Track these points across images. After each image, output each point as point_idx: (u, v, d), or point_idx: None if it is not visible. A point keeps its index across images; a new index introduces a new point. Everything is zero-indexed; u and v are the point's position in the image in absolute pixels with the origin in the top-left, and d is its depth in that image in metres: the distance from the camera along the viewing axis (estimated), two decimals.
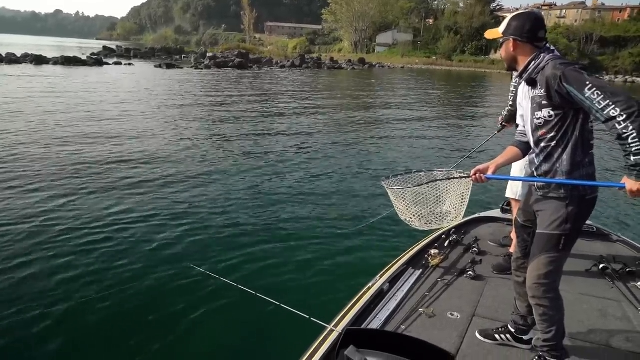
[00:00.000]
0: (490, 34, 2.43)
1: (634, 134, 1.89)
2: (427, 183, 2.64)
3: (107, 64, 41.43)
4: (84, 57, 41.33)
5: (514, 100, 3.72)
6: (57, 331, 3.78)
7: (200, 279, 4.42)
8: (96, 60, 40.91)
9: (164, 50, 65.04)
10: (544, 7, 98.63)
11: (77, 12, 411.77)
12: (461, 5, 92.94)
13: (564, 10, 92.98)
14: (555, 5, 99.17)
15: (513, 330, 2.64)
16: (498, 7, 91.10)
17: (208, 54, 56.63)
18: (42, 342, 3.66)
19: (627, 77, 64.84)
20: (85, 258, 4.98)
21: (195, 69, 42.80)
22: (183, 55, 62.33)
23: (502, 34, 2.33)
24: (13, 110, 14.15)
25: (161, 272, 4.78)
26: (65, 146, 10.06)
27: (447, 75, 59.06)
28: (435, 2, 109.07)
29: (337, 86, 34.15)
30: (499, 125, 4.19)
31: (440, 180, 2.64)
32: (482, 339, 2.69)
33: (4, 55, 36.12)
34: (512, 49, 2.30)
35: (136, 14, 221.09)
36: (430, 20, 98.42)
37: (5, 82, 22.62)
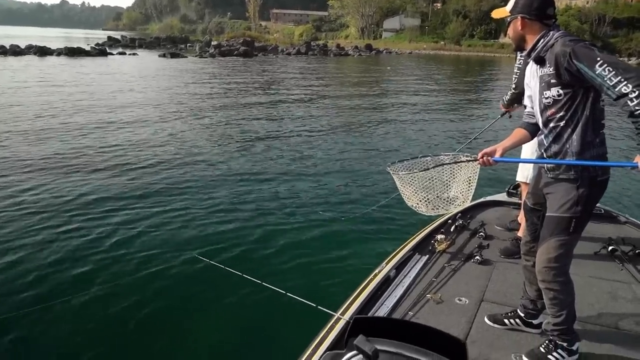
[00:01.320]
0: (497, 13, 2.36)
1: None
2: (433, 167, 2.60)
3: (112, 54, 41.35)
4: (87, 48, 41.28)
5: (517, 83, 3.65)
6: (61, 321, 3.79)
7: (204, 268, 4.39)
8: (100, 51, 40.85)
9: (169, 40, 64.92)
10: None
11: (83, 3, 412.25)
12: None
13: None
14: None
15: (522, 315, 2.60)
16: None
17: (213, 43, 56.19)
18: (47, 333, 3.67)
19: None
20: (87, 249, 4.95)
21: (200, 57, 42.65)
22: (188, 44, 62.21)
23: (510, 12, 2.26)
24: (6, 102, 14.09)
25: (166, 262, 4.75)
26: (68, 136, 10.07)
27: (456, 60, 58.35)
28: None
29: (341, 73, 33.92)
30: (502, 110, 4.12)
31: (447, 164, 2.59)
32: (491, 324, 2.65)
33: (7, 47, 36.18)
34: (520, 28, 2.23)
35: (142, 4, 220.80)
36: (438, 4, 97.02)
37: (5, 73, 22.60)
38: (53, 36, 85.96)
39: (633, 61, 62.43)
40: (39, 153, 8.62)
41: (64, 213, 5.87)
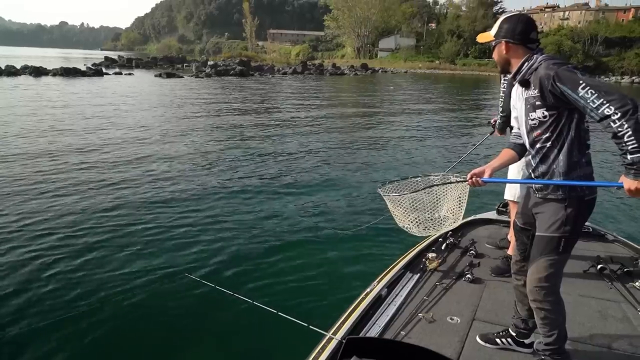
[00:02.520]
0: (482, 38, 2.42)
1: (630, 132, 1.87)
2: (423, 189, 2.63)
3: (107, 74, 41.01)
4: (83, 68, 40.93)
5: (504, 107, 3.73)
6: (49, 342, 3.72)
7: (195, 288, 4.34)
8: (96, 71, 40.43)
9: (165, 60, 64.61)
10: (547, 9, 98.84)
11: (82, 24, 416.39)
12: (463, 8, 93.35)
13: (567, 12, 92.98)
14: (558, 7, 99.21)
15: (514, 334, 2.61)
16: (500, 10, 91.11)
17: (209, 62, 56.40)
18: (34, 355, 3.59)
19: (633, 77, 63.83)
20: (76, 268, 4.90)
21: (196, 77, 42.62)
22: (185, 64, 61.89)
23: (494, 36, 2.33)
24: None
25: (156, 282, 4.70)
26: (52, 155, 9.92)
27: (450, 79, 58.87)
28: (438, 6, 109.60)
29: (336, 92, 33.94)
30: (492, 128, 4.18)
31: (437, 185, 2.62)
32: (483, 343, 2.66)
33: (2, 68, 35.66)
34: (504, 52, 2.29)
35: (140, 24, 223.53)
36: (433, 25, 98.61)
37: None
38: (52, 56, 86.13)
39: (626, 80, 63.01)
40: (23, 172, 8.51)
41: (47, 232, 5.77)
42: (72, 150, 10.54)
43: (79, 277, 4.74)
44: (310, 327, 2.57)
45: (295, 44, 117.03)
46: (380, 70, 72.25)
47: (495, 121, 4.12)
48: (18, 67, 37.36)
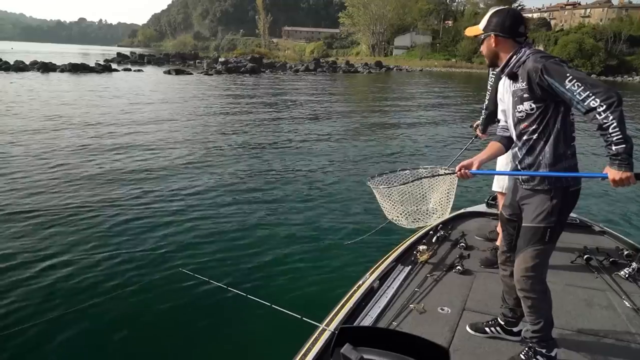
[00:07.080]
0: (470, 31, 2.44)
1: (614, 124, 1.90)
2: (412, 181, 2.65)
3: (117, 70, 40.81)
4: (92, 64, 40.53)
5: (490, 102, 3.69)
6: (43, 340, 3.69)
7: (190, 283, 4.37)
8: (104, 67, 40.07)
9: (178, 56, 64.18)
10: (567, 7, 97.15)
11: (100, 20, 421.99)
12: (481, 6, 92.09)
13: (588, 10, 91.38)
14: (579, 4, 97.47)
15: (503, 323, 2.66)
16: (520, 7, 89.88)
17: (220, 59, 55.54)
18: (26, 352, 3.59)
19: None
20: (68, 265, 4.88)
21: (206, 74, 42.01)
22: (197, 61, 61.34)
23: (483, 30, 2.35)
24: None
25: (150, 277, 4.71)
26: (46, 152, 9.87)
27: (467, 78, 57.88)
28: (455, 4, 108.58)
29: (347, 90, 33.58)
30: (475, 132, 4.14)
31: (426, 177, 2.64)
32: (472, 332, 2.71)
33: (11, 63, 35.57)
34: (493, 45, 2.32)
35: (156, 21, 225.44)
36: (449, 22, 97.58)
37: None
38: (70, 52, 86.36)
39: None
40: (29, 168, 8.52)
41: (37, 228, 5.77)
42: (58, 148, 10.37)
43: (70, 272, 4.73)
44: (304, 319, 2.60)
45: (310, 41, 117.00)
46: (395, 69, 71.51)
47: (477, 124, 4.07)
48: (27, 62, 37.15)
